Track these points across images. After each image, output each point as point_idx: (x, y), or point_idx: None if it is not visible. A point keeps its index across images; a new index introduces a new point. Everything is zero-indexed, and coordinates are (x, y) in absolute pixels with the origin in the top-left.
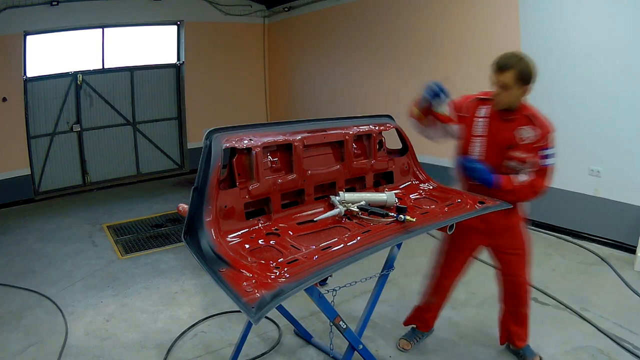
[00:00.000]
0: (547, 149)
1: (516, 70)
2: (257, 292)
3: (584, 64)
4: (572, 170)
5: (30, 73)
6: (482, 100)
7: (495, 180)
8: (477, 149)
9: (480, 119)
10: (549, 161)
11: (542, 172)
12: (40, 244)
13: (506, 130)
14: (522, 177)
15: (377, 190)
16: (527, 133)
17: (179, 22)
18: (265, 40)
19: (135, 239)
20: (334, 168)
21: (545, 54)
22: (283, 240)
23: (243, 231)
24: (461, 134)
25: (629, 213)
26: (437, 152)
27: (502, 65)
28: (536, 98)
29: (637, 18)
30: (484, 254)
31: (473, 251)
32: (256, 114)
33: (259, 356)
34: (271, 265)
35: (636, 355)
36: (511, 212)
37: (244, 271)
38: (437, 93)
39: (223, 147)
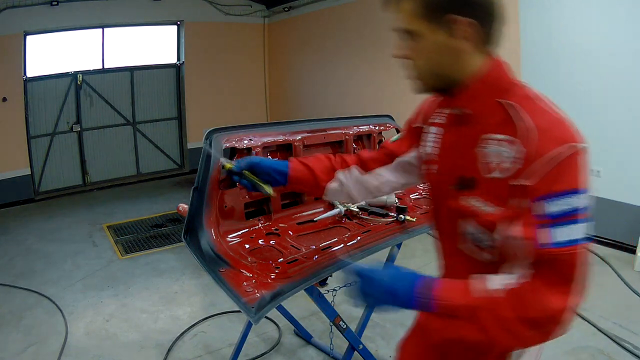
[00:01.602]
0: (556, 195)
1: None
2: (257, 292)
3: (584, 64)
4: None
5: (30, 73)
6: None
7: (421, 292)
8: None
9: (432, 132)
10: (564, 232)
11: (554, 264)
12: (40, 244)
13: (461, 145)
14: (503, 280)
15: None
16: (497, 149)
17: (179, 22)
18: (265, 40)
19: (135, 239)
20: None
21: (545, 53)
22: (283, 240)
23: (243, 231)
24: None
25: (629, 213)
26: None
27: None
28: None
29: (638, 17)
30: None
31: None
32: (256, 114)
33: (259, 356)
34: (271, 265)
35: (636, 355)
36: None
37: (244, 271)
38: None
39: (223, 147)
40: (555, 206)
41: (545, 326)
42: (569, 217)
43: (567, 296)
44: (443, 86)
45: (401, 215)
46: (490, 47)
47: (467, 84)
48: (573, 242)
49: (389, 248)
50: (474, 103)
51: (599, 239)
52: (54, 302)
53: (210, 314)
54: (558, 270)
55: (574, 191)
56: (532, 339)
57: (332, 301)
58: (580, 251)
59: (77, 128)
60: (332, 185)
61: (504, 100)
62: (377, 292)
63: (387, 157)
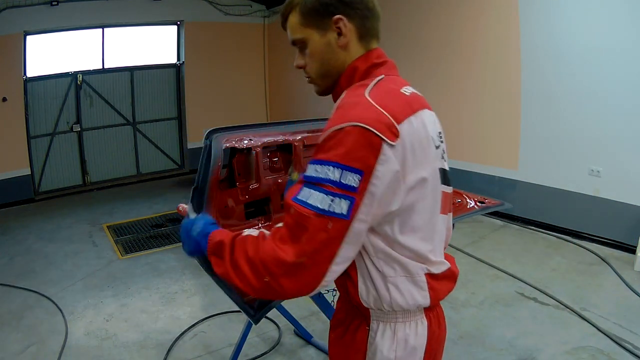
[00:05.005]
0: (313, 162)
1: (299, 4)
2: None
3: (584, 64)
4: (572, 170)
5: (30, 73)
6: None
7: (202, 235)
8: None
9: None
10: (304, 192)
11: (287, 217)
12: (40, 244)
13: None
14: (253, 232)
15: None
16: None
17: (179, 22)
18: (265, 40)
19: (135, 239)
20: None
21: (545, 53)
22: None
23: None
24: None
25: (629, 213)
26: None
27: (282, 13)
28: (536, 97)
29: (638, 17)
30: (482, 253)
31: None
32: (256, 114)
33: (259, 356)
34: None
35: (636, 355)
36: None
37: None
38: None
39: (223, 147)
40: (310, 170)
41: (260, 270)
42: (311, 182)
43: (286, 251)
44: (331, 84)
45: None
46: (369, 41)
47: (345, 80)
48: (303, 203)
49: None
50: (335, 95)
51: (599, 239)
52: (54, 302)
53: (210, 314)
54: (288, 224)
55: (323, 161)
56: (250, 280)
57: (332, 301)
58: (306, 213)
59: (77, 128)
60: None
61: (349, 89)
62: (182, 239)
63: None
